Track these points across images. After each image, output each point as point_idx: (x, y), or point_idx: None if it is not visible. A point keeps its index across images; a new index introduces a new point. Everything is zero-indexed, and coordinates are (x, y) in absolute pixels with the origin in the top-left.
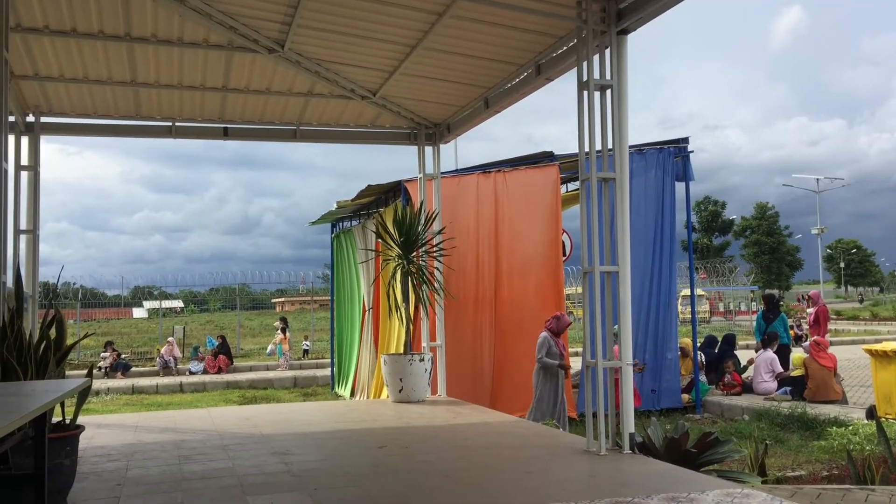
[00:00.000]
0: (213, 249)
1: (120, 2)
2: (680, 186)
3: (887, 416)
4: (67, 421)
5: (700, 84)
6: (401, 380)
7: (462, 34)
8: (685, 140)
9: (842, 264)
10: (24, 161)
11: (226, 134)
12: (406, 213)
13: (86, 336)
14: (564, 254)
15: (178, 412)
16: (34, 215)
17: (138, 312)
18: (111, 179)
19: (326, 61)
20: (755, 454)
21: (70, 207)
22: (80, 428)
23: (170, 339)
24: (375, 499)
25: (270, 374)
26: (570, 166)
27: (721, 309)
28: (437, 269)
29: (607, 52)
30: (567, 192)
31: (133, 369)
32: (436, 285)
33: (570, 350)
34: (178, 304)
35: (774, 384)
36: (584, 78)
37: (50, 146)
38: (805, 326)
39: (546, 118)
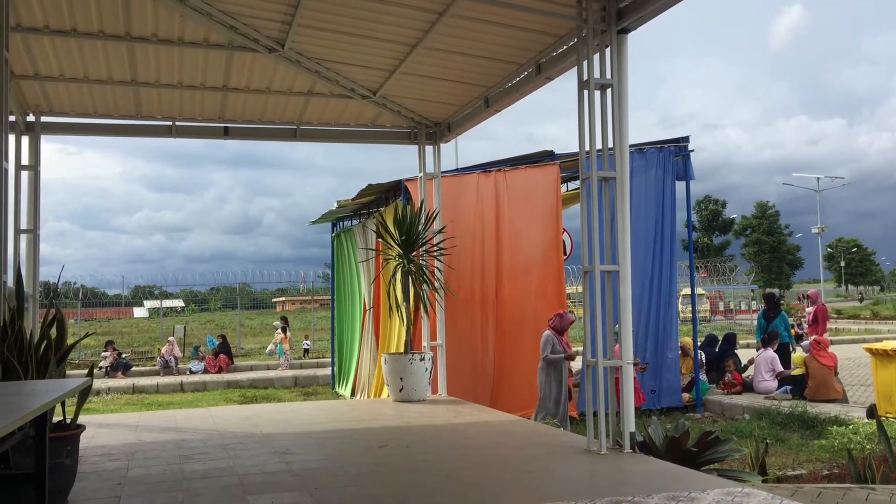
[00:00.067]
0: (214, 249)
1: (120, 1)
2: (680, 185)
3: (888, 415)
4: (68, 420)
5: (700, 83)
6: (401, 379)
7: (462, 33)
8: (685, 139)
9: (842, 263)
10: (25, 161)
11: (226, 133)
12: (406, 213)
13: (86, 336)
14: (565, 253)
15: (178, 412)
16: (34, 215)
17: (139, 312)
18: (111, 179)
19: (327, 61)
20: (756, 453)
21: (70, 207)
22: (81, 427)
23: (170, 338)
24: (376, 498)
25: (271, 374)
26: (570, 165)
27: (721, 308)
28: (438, 268)
29: (607, 51)
30: (567, 191)
31: (133, 369)
32: (436, 284)
33: (573, 349)
34: (179, 303)
35: (775, 383)
36: (585, 77)
37: (50, 146)
38: (805, 326)
39: (546, 117)
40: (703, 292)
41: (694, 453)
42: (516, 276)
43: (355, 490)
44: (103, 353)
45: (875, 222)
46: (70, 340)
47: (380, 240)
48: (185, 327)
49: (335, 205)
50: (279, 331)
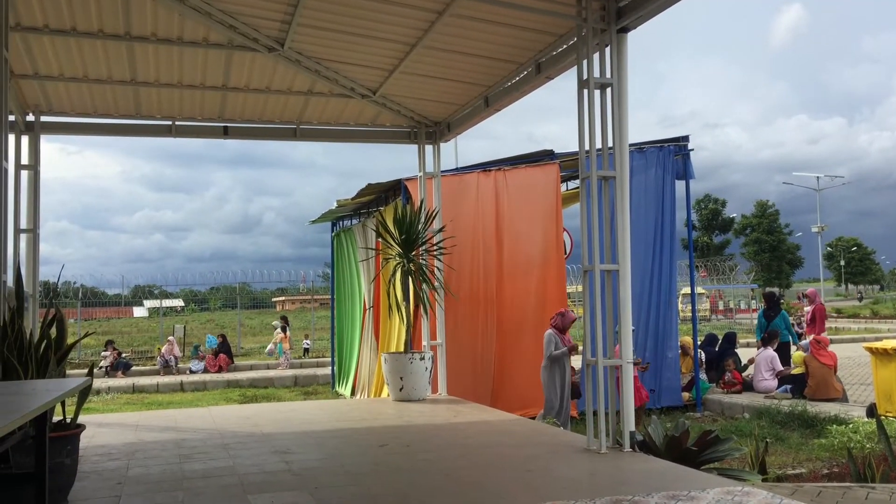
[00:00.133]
0: (214, 248)
1: (120, 1)
2: (680, 185)
3: (887, 414)
4: (68, 420)
5: (700, 82)
6: (401, 378)
7: (462, 32)
8: (685, 138)
9: (842, 262)
10: (25, 160)
11: (226, 133)
12: (406, 212)
13: (86, 335)
14: (565, 252)
15: (178, 411)
16: (34, 214)
17: (139, 311)
18: (111, 178)
19: (326, 60)
20: (755, 452)
21: (70, 206)
22: (81, 427)
23: (170, 338)
24: (376, 497)
25: (271, 373)
26: (570, 164)
27: (721, 307)
28: (438, 267)
29: (607, 50)
30: (567, 190)
31: (133, 368)
32: (436, 284)
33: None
34: (179, 303)
35: (775, 382)
36: (585, 76)
37: (50, 145)
38: (803, 325)
39: (546, 116)
40: (703, 291)
41: (694, 452)
42: (516, 275)
43: (355, 489)
44: (103, 353)
45: (875, 221)
46: (70, 340)
47: (379, 239)
48: (184, 327)
49: (335, 204)
50: (279, 330)
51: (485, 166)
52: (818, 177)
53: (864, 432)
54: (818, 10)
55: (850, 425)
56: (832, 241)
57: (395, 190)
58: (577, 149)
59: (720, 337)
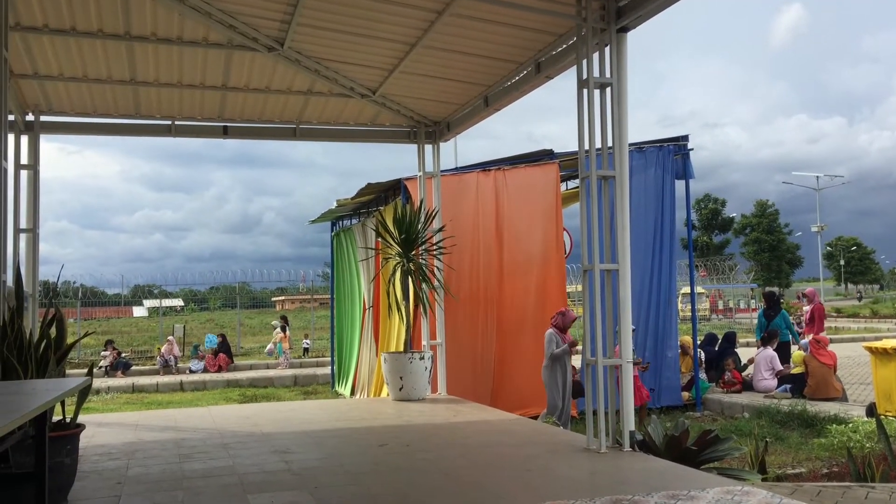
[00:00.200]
0: (214, 248)
1: (119, 1)
2: (680, 184)
3: (887, 414)
4: (68, 419)
5: (700, 82)
6: (401, 378)
7: (461, 32)
8: (685, 138)
9: (842, 262)
10: (24, 160)
11: (225, 132)
12: (406, 212)
13: (86, 335)
14: (565, 252)
15: (178, 411)
16: (34, 214)
17: (138, 311)
18: (111, 178)
19: (326, 60)
20: (755, 452)
21: (70, 206)
22: (81, 426)
23: (169, 337)
24: (376, 497)
25: (271, 373)
26: (569, 164)
27: (720, 307)
28: (437, 267)
29: (607, 49)
30: (567, 189)
31: (133, 368)
32: (435, 283)
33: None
34: (179, 302)
35: (774, 382)
36: (584, 76)
37: (50, 145)
38: (802, 324)
39: (546, 116)
40: (703, 291)
41: (693, 452)
42: (516, 274)
43: (355, 489)
44: (103, 353)
45: (874, 221)
46: (69, 340)
47: (379, 239)
48: (184, 326)
49: (335, 204)
50: (278, 330)
51: (484, 166)
52: (818, 176)
53: (863, 432)
54: (818, 9)
55: (850, 425)
56: (832, 241)
57: (394, 190)
58: (576, 148)
59: (720, 336)
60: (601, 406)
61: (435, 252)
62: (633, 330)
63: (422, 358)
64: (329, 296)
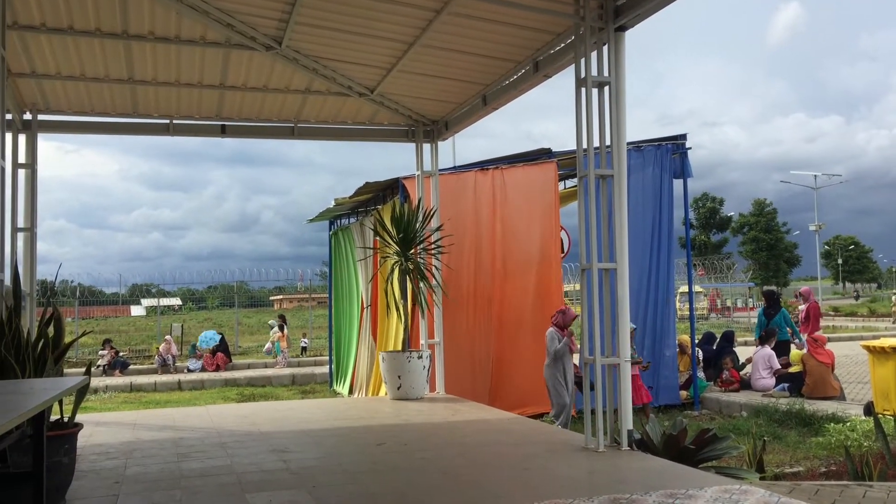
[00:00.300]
0: (212, 247)
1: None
2: (678, 183)
3: (885, 413)
4: (66, 419)
5: (698, 81)
6: (399, 377)
7: (460, 31)
8: (683, 137)
9: (839, 260)
10: (22, 159)
11: (223, 131)
12: (404, 211)
13: (84, 334)
14: (563, 251)
15: (176, 410)
16: (32, 213)
17: (136, 310)
18: (109, 177)
19: (324, 58)
20: (753, 450)
21: (68, 205)
22: (79, 426)
23: (167, 336)
24: (374, 496)
25: (269, 372)
26: (568, 163)
27: (718, 306)
28: (436, 266)
29: (605, 48)
30: (565, 188)
31: (131, 367)
32: (433, 283)
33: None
34: (177, 301)
35: (772, 381)
36: (582, 75)
37: (47, 144)
38: (798, 323)
39: (544, 115)
40: (701, 290)
41: (691, 451)
42: (514, 273)
43: (353, 488)
44: (101, 352)
45: (872, 219)
46: (67, 339)
47: (377, 238)
48: (182, 325)
49: (333, 203)
50: (275, 329)
51: (482, 165)
52: (816, 175)
53: (861, 430)
54: (816, 7)
55: (848, 423)
56: (830, 240)
57: (392, 188)
58: (574, 147)
59: (718, 335)
60: (599, 405)
61: (433, 251)
62: (634, 329)
63: (420, 357)
64: (327, 295)
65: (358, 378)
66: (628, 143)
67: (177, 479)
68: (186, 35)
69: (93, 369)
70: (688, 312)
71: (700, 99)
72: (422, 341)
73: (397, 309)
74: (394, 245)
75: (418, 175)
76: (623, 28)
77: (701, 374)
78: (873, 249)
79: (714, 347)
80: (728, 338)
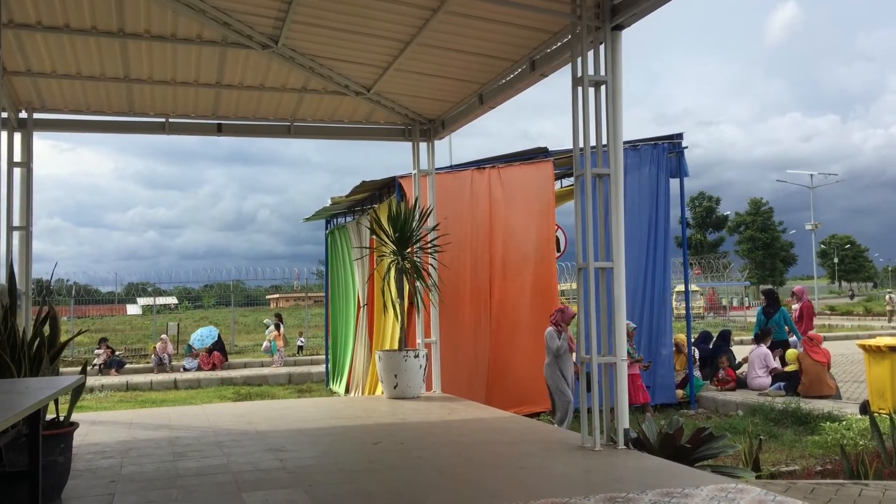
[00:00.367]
0: (208, 246)
1: None
2: (674, 182)
3: (880, 411)
4: (61, 418)
5: (695, 80)
6: (395, 376)
7: (456, 30)
8: (679, 136)
9: (835, 260)
10: (17, 157)
11: (220, 130)
12: (400, 210)
13: (80, 333)
14: (559, 250)
15: (172, 409)
16: (27, 212)
17: (132, 309)
18: (105, 176)
19: (321, 57)
20: (749, 449)
21: (63, 204)
22: (75, 425)
23: (163, 335)
24: (370, 495)
25: (265, 371)
26: (564, 162)
27: (717, 305)
28: (432, 265)
29: (602, 47)
30: (561, 187)
31: (127, 366)
32: (430, 282)
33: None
34: (173, 300)
35: (768, 379)
36: (579, 74)
37: (43, 142)
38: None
39: (541, 114)
40: (697, 289)
41: (688, 450)
42: (510, 272)
43: (350, 487)
44: (97, 351)
45: (868, 219)
46: (63, 338)
47: (374, 237)
48: (178, 324)
49: (329, 202)
50: (271, 328)
51: (479, 164)
52: (812, 174)
53: (857, 429)
54: (813, 7)
55: (844, 422)
56: (826, 239)
57: (389, 187)
58: (571, 146)
59: (714, 334)
60: (595, 404)
61: (429, 250)
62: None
63: (416, 356)
64: (323, 294)
65: (354, 377)
66: (625, 143)
67: (173, 479)
68: (183, 33)
69: (88, 368)
70: (684, 311)
71: (696, 98)
72: (418, 340)
73: (394, 308)
74: (390, 244)
75: (415, 174)
76: (620, 27)
77: (697, 373)
78: (869, 249)
79: (710, 346)
80: (725, 337)
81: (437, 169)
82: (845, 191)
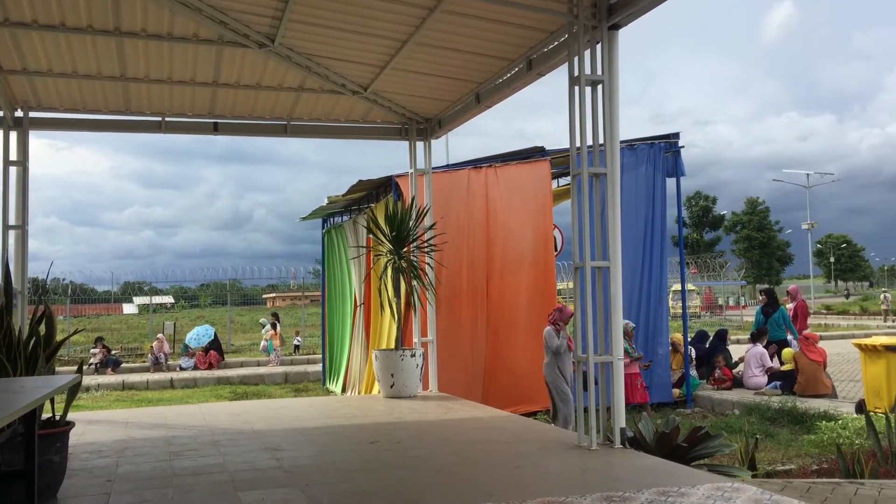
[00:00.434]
0: (204, 245)
1: None
2: (671, 182)
3: (876, 410)
4: (57, 417)
5: (692, 79)
6: (392, 375)
7: (453, 29)
8: (676, 135)
9: (832, 259)
10: (13, 156)
11: (216, 129)
12: (397, 209)
13: (75, 332)
14: (556, 249)
15: (168, 408)
16: (23, 211)
17: (128, 308)
18: (101, 174)
19: (317, 56)
20: (745, 448)
21: (59, 203)
22: (70, 424)
23: (159, 335)
24: (367, 494)
25: (261, 370)
26: (561, 161)
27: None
28: (429, 264)
29: (598, 47)
30: (558, 187)
31: (123, 365)
32: (426, 281)
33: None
34: (169, 299)
35: (765, 379)
36: (576, 73)
37: (39, 141)
38: None
39: (538, 113)
40: (694, 288)
41: (684, 449)
42: (507, 271)
43: (346, 486)
44: (92, 350)
45: (865, 218)
46: (59, 337)
47: (370, 236)
48: (174, 324)
49: (326, 201)
50: (267, 327)
51: (476, 163)
52: (808, 174)
53: (853, 428)
54: (809, 6)
55: (840, 421)
56: (822, 238)
57: (385, 186)
58: (568, 145)
59: (711, 333)
60: (592, 403)
61: (426, 249)
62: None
63: (413, 355)
64: (320, 293)
65: (351, 376)
66: (621, 142)
67: (169, 478)
68: (179, 32)
69: (84, 367)
70: (681, 310)
71: (693, 98)
72: (415, 339)
73: (390, 307)
74: (387, 243)
75: (411, 173)
76: (616, 26)
77: (693, 373)
78: (865, 248)
79: (707, 346)
80: (721, 336)
81: (433, 168)
82: (841, 190)
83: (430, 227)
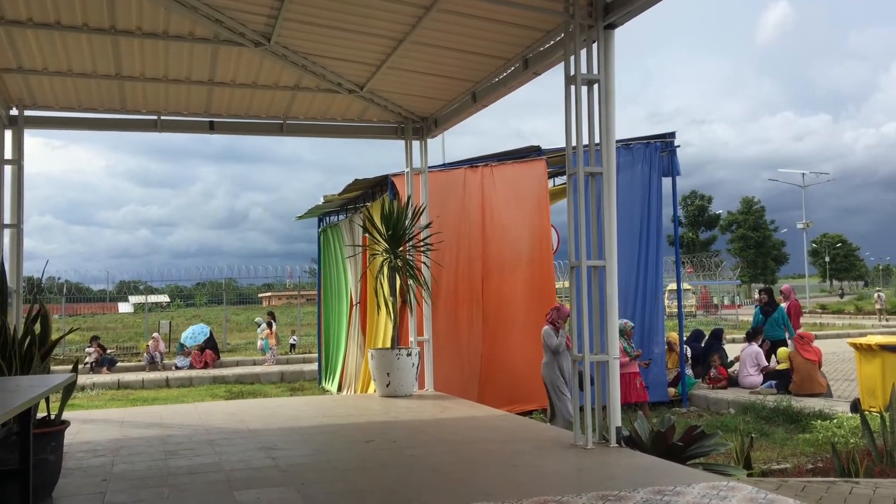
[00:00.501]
0: (200, 244)
1: None
2: (666, 181)
3: (871, 410)
4: (52, 416)
5: (688, 79)
6: (388, 374)
7: (449, 28)
8: (672, 135)
9: (827, 258)
10: (8, 155)
11: (212, 128)
12: (393, 208)
13: (71, 331)
14: (552, 248)
15: (164, 407)
16: (18, 209)
17: (124, 307)
18: (96, 173)
19: (313, 55)
20: (741, 447)
21: (55, 201)
22: (66, 423)
23: (155, 334)
24: (363, 493)
25: (257, 369)
26: (557, 161)
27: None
28: (425, 263)
29: (594, 46)
30: (554, 186)
31: (119, 364)
32: (422, 280)
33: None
34: (164, 298)
35: (760, 378)
36: (572, 72)
37: (34, 140)
38: None
39: (534, 112)
40: (689, 287)
41: (679, 448)
42: (503, 271)
43: (342, 485)
44: (88, 349)
45: (860, 218)
46: (54, 336)
47: (366, 235)
48: (170, 323)
49: (322, 200)
50: (263, 326)
51: (472, 162)
52: (803, 173)
53: (848, 427)
54: (805, 6)
55: (835, 420)
56: (817, 238)
57: (381, 185)
58: (564, 145)
59: (706, 333)
60: (588, 402)
61: (422, 248)
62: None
63: (409, 354)
64: (316, 292)
65: (347, 375)
66: (617, 141)
67: (164, 477)
68: (175, 31)
69: (80, 366)
70: (676, 310)
71: (689, 97)
72: (411, 338)
73: (386, 306)
74: (383, 242)
75: (408, 172)
76: (612, 26)
77: (689, 372)
78: (860, 247)
79: (702, 345)
80: (717, 335)
81: (429, 167)
82: (837, 190)
83: (427, 226)
